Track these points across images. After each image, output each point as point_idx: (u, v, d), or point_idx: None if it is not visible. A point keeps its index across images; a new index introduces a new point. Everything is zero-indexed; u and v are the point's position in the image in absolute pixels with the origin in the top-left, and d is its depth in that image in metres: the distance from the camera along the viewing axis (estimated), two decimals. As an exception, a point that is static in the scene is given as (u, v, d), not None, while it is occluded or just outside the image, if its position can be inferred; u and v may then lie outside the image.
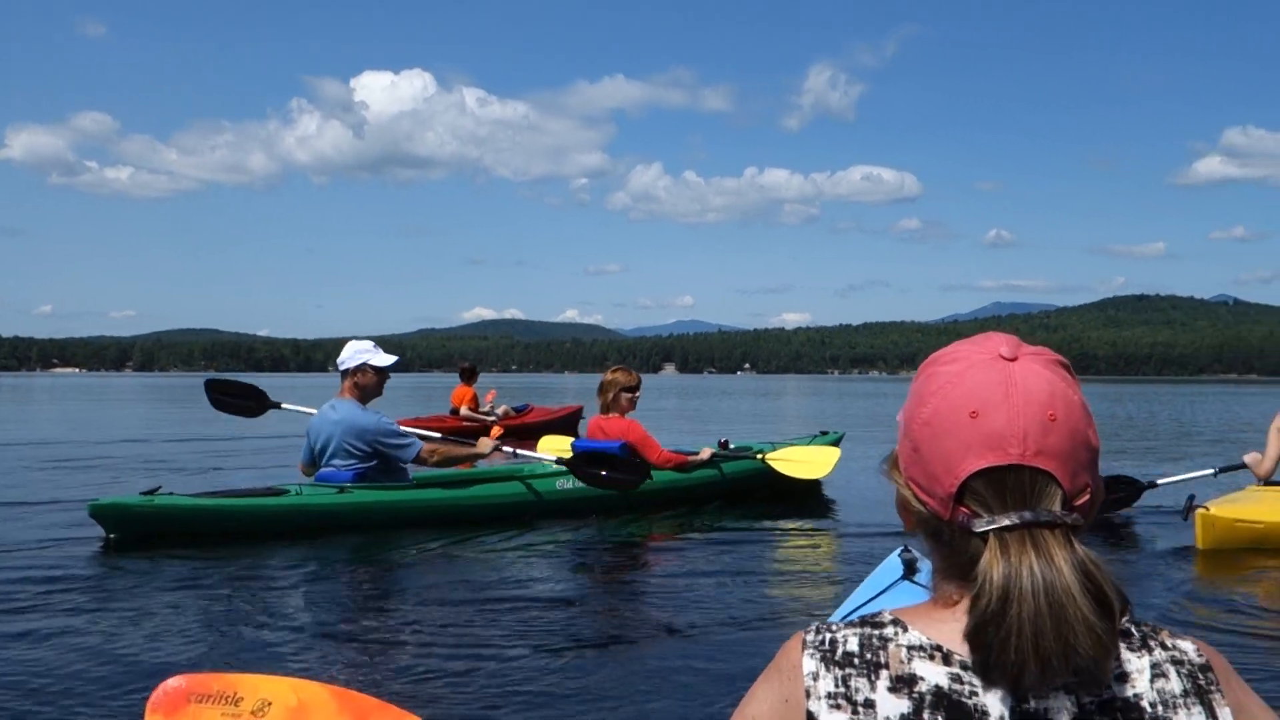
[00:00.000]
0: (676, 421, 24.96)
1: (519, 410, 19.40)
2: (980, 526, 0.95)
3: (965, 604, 0.96)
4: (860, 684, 0.95)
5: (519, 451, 7.70)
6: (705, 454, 8.62)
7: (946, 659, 0.95)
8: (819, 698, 0.96)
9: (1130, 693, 0.94)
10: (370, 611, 5.12)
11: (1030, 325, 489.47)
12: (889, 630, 0.99)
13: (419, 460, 7.11)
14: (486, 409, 18.35)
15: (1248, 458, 7.17)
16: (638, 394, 8.29)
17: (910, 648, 0.96)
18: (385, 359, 7.21)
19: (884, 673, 0.95)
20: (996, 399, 0.97)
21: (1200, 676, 0.96)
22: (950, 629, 0.97)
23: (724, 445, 8.94)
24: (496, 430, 17.11)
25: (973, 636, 0.92)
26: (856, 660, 0.97)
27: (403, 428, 7.25)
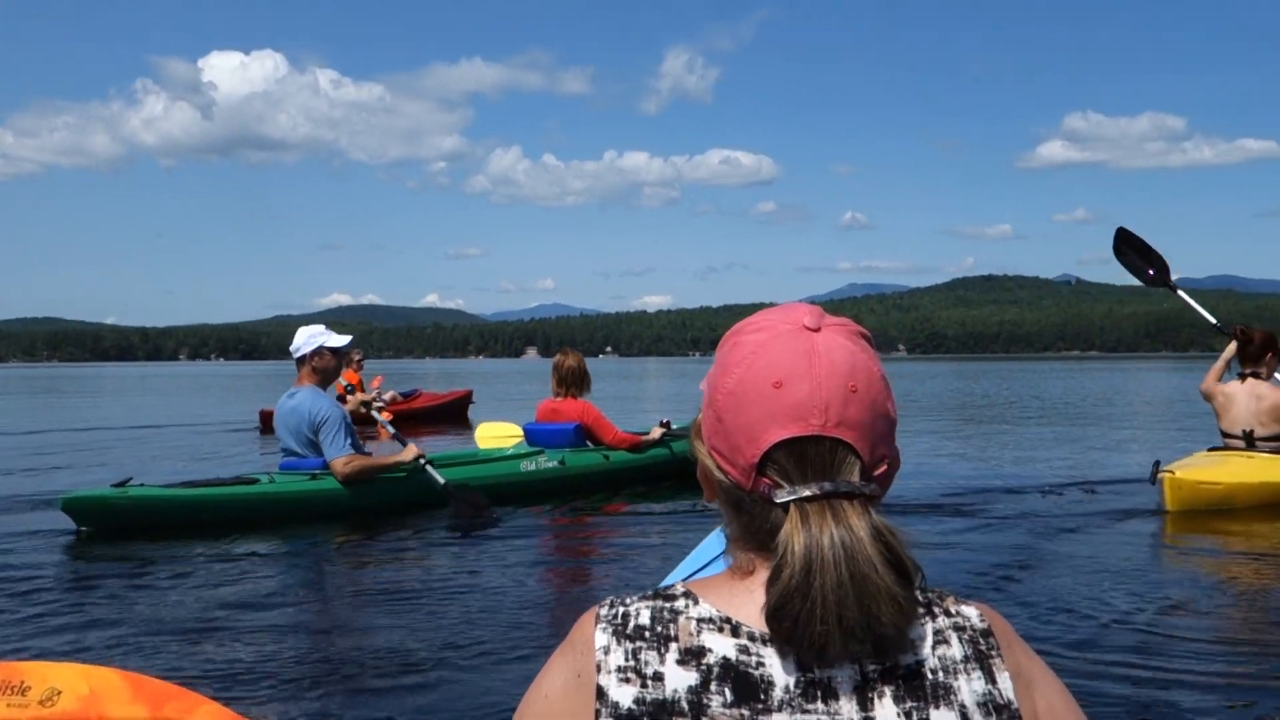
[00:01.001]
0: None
1: (407, 395, 19.09)
2: (781, 497, 0.94)
3: (761, 575, 0.96)
4: (650, 657, 0.94)
5: (429, 468, 7.23)
6: (656, 434, 8.81)
7: (735, 630, 0.94)
8: (609, 671, 0.94)
9: (912, 659, 0.93)
10: (248, 606, 4.76)
11: (885, 306, 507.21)
12: (680, 603, 0.98)
13: (329, 466, 6.82)
14: (373, 395, 17.75)
15: (1233, 347, 7.47)
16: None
17: (700, 620, 0.95)
18: (339, 339, 7.21)
19: (673, 645, 0.94)
20: (800, 370, 0.96)
21: (981, 641, 0.96)
22: (741, 600, 0.96)
23: (666, 425, 8.98)
24: (385, 416, 16.56)
25: (777, 610, 0.90)
26: (647, 633, 0.96)
27: (344, 431, 6.93)
